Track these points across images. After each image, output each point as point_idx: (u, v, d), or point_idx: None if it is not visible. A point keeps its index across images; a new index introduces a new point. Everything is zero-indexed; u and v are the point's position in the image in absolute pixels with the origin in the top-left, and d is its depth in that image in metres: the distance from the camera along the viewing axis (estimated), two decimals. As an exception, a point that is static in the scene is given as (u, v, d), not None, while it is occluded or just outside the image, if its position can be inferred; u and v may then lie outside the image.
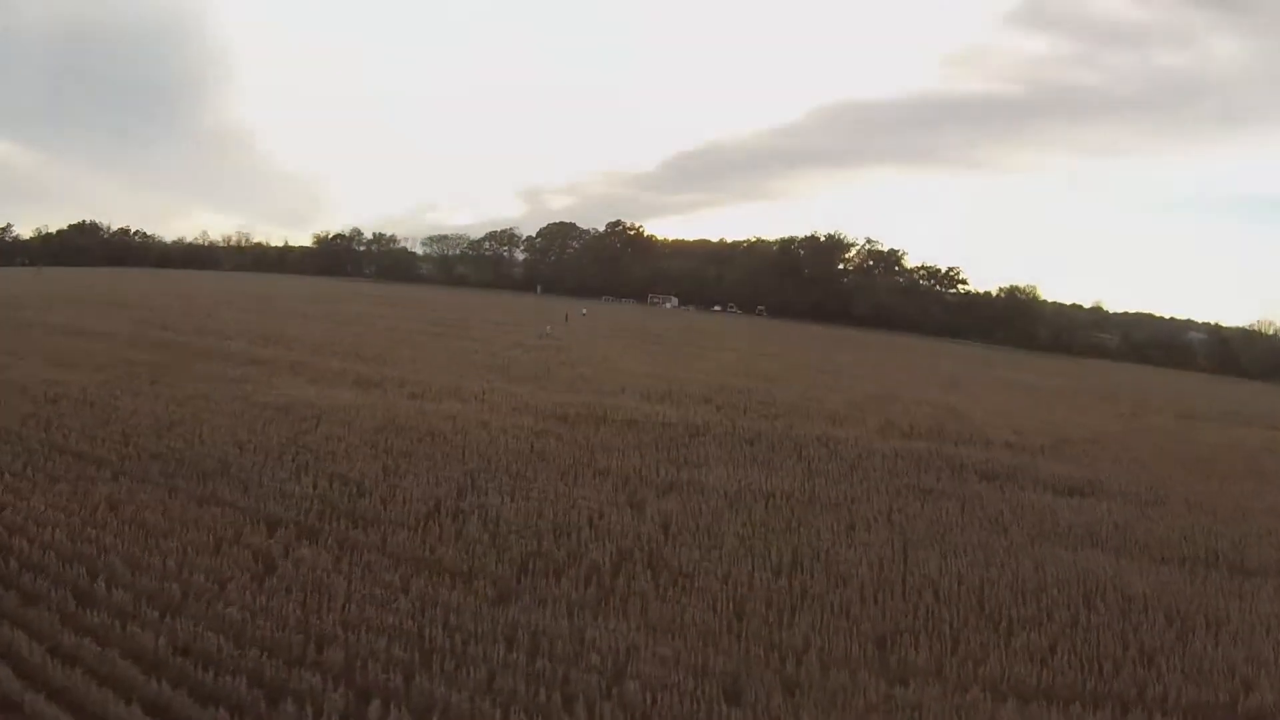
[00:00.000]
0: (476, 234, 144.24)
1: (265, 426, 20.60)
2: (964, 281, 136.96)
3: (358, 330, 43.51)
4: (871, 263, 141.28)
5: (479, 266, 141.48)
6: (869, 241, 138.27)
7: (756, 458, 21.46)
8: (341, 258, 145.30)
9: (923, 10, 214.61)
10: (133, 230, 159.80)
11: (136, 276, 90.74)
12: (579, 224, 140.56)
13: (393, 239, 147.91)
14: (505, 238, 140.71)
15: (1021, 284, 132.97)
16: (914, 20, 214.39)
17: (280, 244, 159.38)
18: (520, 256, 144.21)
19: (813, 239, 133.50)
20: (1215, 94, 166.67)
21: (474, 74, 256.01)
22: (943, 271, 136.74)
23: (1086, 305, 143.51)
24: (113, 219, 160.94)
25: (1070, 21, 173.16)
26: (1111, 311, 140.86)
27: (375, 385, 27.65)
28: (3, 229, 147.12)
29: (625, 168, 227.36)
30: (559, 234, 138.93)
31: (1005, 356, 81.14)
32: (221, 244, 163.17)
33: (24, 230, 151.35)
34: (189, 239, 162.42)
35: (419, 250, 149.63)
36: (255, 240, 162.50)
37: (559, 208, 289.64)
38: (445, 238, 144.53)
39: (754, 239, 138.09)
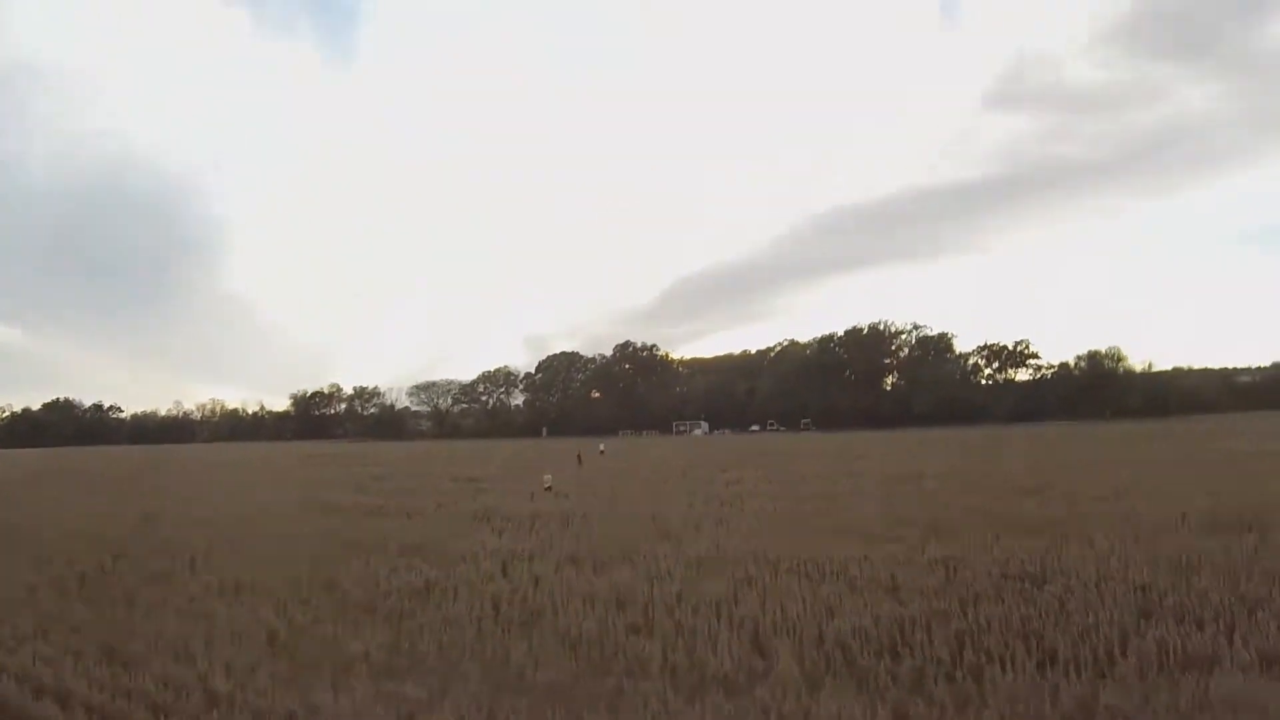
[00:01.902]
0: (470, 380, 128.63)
1: None
2: (1035, 355, 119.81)
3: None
4: (920, 351, 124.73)
5: (475, 414, 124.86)
6: (916, 327, 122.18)
7: None
8: (324, 419, 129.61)
9: (902, 104, 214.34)
10: (106, 405, 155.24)
11: (94, 456, 73.92)
12: (582, 352, 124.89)
13: (375, 392, 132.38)
14: (500, 378, 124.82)
15: (1102, 349, 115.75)
16: (896, 116, 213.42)
17: (255, 408, 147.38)
18: (520, 398, 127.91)
19: (855, 332, 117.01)
20: (1191, 140, 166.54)
21: (463, 225, 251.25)
22: (1009, 348, 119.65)
23: (1167, 366, 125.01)
24: (94, 395, 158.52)
25: (1046, 95, 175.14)
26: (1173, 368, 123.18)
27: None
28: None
29: (625, 303, 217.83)
30: (561, 367, 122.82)
31: (1134, 429, 62.26)
32: (196, 413, 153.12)
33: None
34: (162, 411, 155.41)
35: (405, 402, 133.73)
36: (231, 407, 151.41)
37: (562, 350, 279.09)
38: (433, 385, 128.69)
39: (785, 342, 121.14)
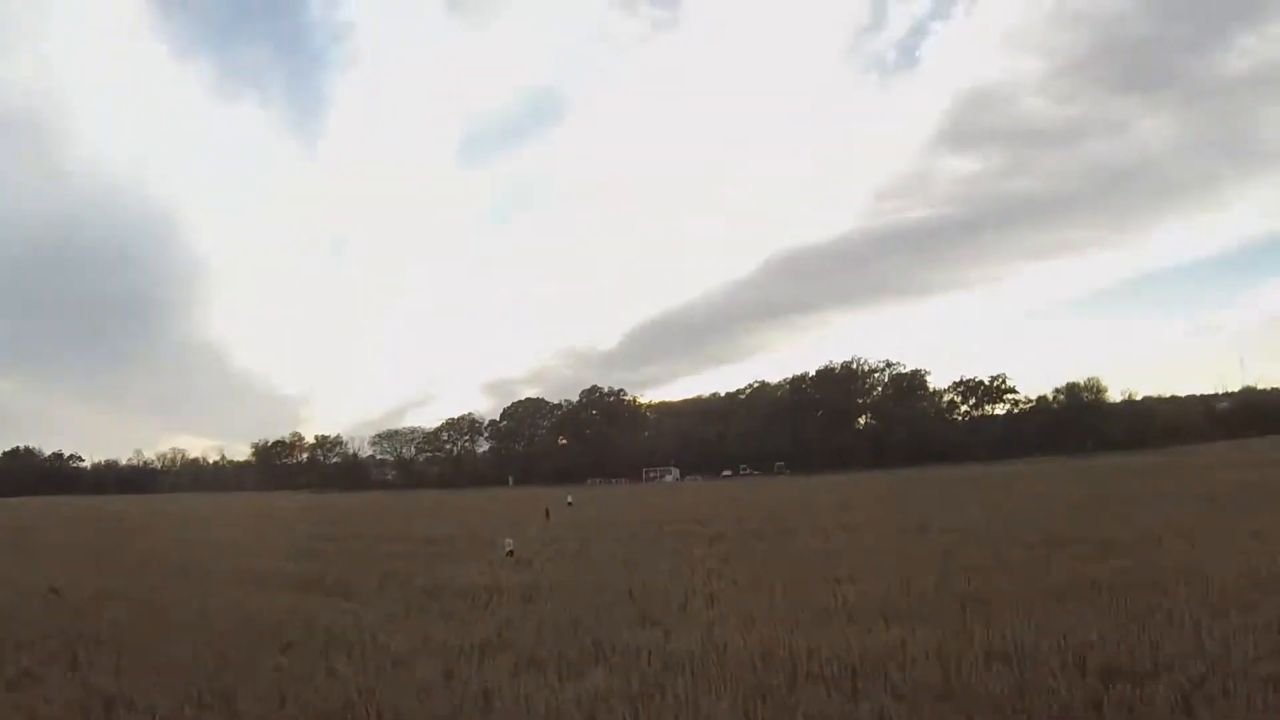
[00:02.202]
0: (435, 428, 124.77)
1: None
2: (1012, 390, 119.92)
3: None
4: (893, 389, 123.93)
5: (440, 462, 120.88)
6: (888, 365, 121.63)
7: None
8: (287, 468, 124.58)
9: (855, 147, 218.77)
10: (66, 454, 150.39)
11: (39, 508, 68.61)
12: (547, 398, 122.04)
13: (338, 441, 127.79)
14: (465, 426, 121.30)
15: (1080, 380, 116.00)
16: (847, 159, 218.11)
17: (217, 457, 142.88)
18: (486, 445, 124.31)
19: (827, 372, 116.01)
20: (1151, 174, 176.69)
21: (429, 271, 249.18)
22: (985, 383, 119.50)
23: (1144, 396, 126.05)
24: (55, 443, 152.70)
25: (1003, 131, 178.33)
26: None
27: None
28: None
29: (589, 347, 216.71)
30: (526, 413, 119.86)
31: (1124, 462, 61.13)
32: (156, 462, 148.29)
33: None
34: (123, 460, 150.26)
35: (369, 451, 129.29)
36: (192, 456, 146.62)
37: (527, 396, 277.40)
38: (396, 433, 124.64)
39: (756, 384, 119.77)
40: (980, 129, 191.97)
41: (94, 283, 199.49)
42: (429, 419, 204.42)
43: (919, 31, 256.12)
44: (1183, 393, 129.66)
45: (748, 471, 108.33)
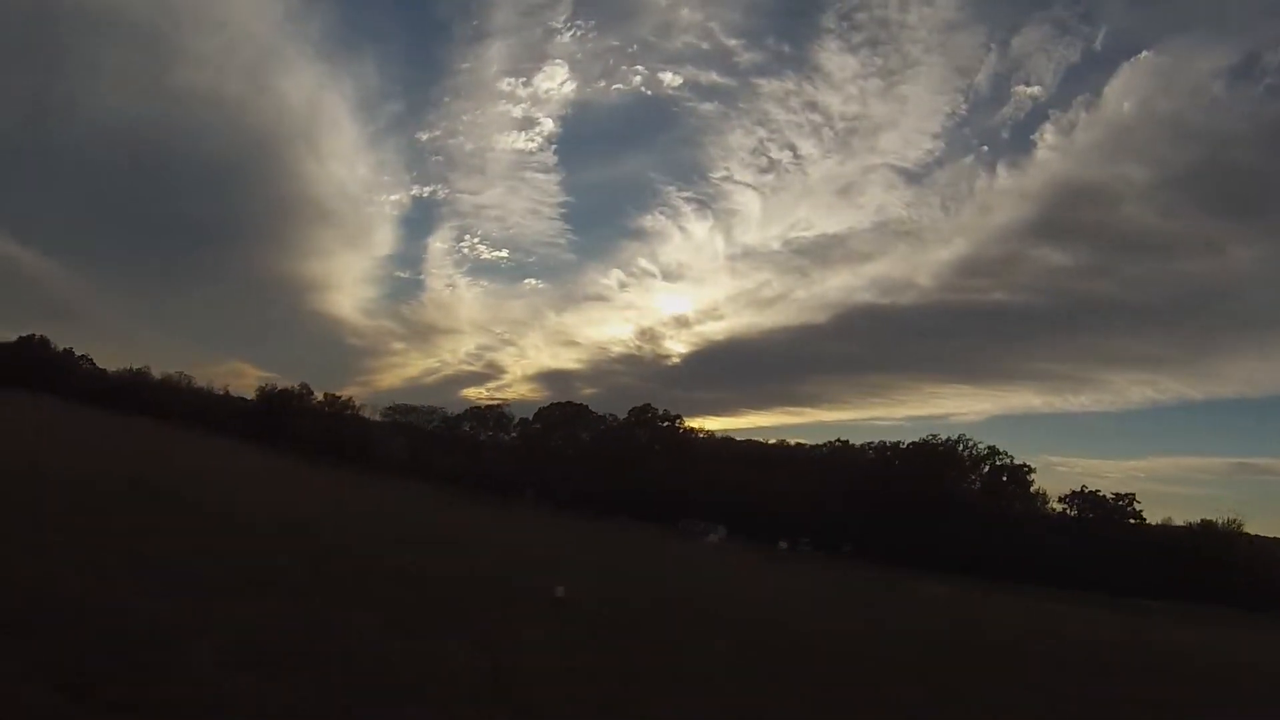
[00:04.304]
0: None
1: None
2: (1139, 514, 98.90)
3: None
4: (992, 481, 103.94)
5: (453, 454, 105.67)
6: (994, 453, 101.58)
7: None
8: (288, 423, 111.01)
9: (949, 215, 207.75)
10: (78, 354, 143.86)
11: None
12: (594, 407, 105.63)
13: (347, 404, 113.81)
14: (491, 419, 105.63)
15: (1218, 518, 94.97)
16: (937, 225, 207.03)
17: (221, 390, 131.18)
18: (511, 444, 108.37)
19: (923, 448, 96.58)
20: (1237, 300, 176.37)
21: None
22: (1108, 499, 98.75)
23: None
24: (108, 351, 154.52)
25: (1093, 231, 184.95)
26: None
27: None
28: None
29: (654, 356, 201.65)
30: (564, 419, 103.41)
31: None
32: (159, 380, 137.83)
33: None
34: (134, 367, 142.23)
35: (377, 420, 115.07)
36: (196, 384, 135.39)
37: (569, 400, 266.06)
38: (413, 410, 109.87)
39: (838, 443, 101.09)
40: (1076, 225, 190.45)
41: (183, 204, 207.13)
42: (480, 396, 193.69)
43: (1036, 116, 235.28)
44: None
45: (806, 547, 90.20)
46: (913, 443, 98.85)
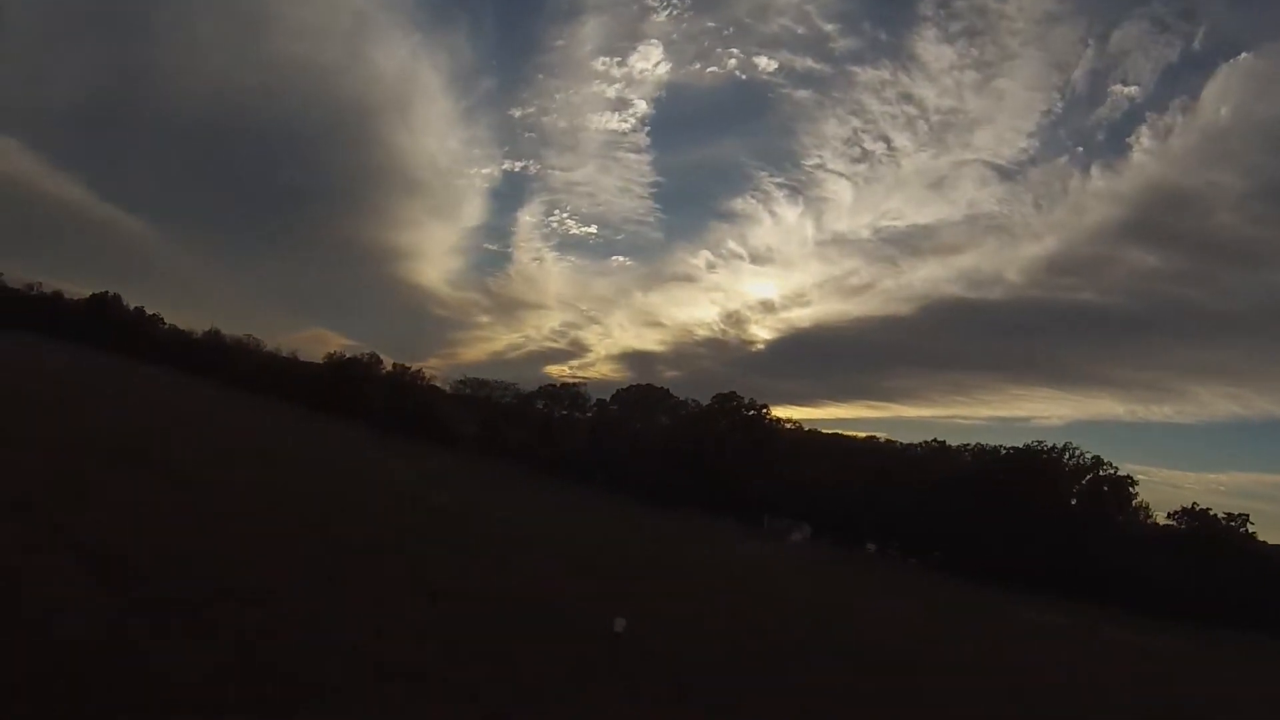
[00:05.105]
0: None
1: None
2: (1252, 537, 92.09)
3: None
4: (1093, 493, 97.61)
5: (524, 430, 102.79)
6: (1102, 463, 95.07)
7: None
8: (354, 392, 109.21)
9: (1041, 212, 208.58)
10: (149, 313, 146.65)
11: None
12: (675, 391, 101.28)
13: (417, 375, 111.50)
14: (566, 398, 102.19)
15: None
16: (1028, 221, 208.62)
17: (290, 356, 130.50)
18: (587, 417, 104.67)
19: (1027, 455, 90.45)
20: None
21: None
22: (1220, 519, 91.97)
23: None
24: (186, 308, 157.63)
25: (1185, 237, 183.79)
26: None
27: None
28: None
29: (738, 342, 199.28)
30: (644, 403, 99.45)
31: None
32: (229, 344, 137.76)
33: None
34: (205, 329, 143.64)
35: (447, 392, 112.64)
36: (266, 349, 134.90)
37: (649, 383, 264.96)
38: (485, 384, 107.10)
39: (932, 442, 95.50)
40: (1167, 230, 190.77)
41: (274, 170, 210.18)
42: (563, 374, 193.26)
43: (1132, 118, 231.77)
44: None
45: (895, 553, 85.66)
46: (1014, 448, 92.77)
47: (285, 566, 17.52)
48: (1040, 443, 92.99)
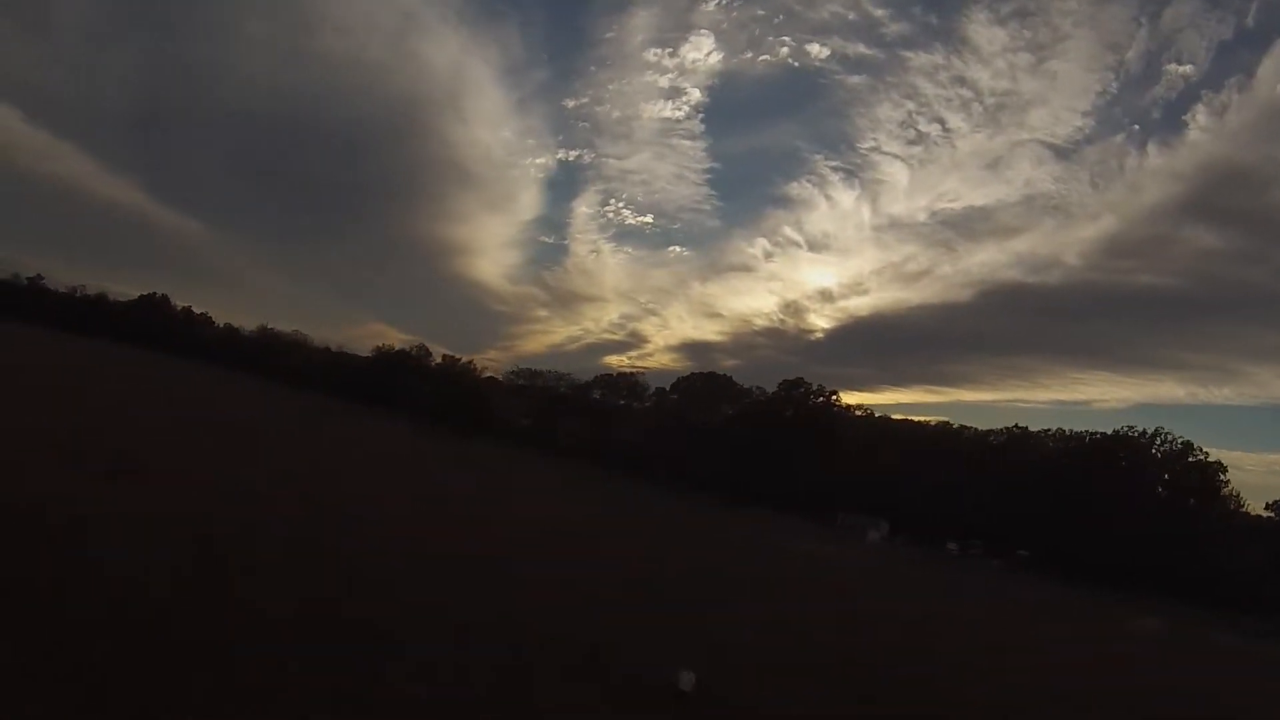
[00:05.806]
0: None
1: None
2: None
3: None
4: (1180, 481, 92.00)
5: (580, 421, 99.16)
6: (1191, 449, 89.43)
7: None
8: (398, 384, 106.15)
9: (1098, 193, 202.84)
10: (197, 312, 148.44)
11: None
12: (738, 379, 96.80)
13: (468, 366, 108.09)
14: (623, 388, 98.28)
15: None
16: (1085, 203, 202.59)
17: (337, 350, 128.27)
18: (646, 407, 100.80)
19: (1118, 439, 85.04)
20: None
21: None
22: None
23: None
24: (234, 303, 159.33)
25: (1245, 215, 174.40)
26: None
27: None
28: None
29: (797, 330, 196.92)
30: (704, 391, 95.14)
31: None
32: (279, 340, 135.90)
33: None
34: (249, 329, 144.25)
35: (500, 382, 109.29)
36: (313, 343, 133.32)
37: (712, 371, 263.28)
38: (538, 375, 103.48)
39: (1016, 429, 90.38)
40: (1226, 208, 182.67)
41: (326, 166, 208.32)
42: (622, 364, 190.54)
43: (1188, 96, 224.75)
44: None
45: (978, 552, 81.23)
46: (1100, 434, 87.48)
47: None
48: (1130, 428, 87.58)
